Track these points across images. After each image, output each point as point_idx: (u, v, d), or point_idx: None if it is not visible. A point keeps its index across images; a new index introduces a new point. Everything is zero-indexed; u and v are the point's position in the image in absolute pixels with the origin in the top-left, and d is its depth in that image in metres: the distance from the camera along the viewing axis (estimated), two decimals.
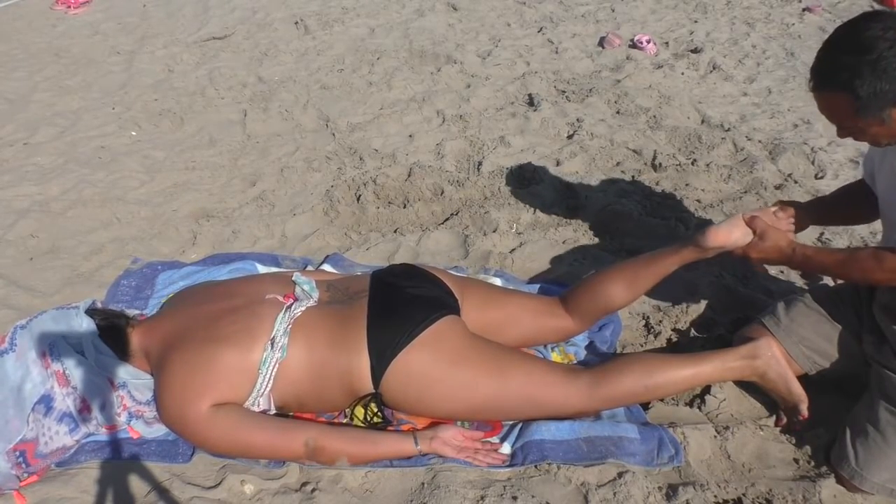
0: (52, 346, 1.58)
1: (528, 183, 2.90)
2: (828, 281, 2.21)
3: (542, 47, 4.56)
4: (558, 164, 3.05)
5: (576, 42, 4.62)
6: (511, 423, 1.71)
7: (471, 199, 2.80)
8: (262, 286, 1.76)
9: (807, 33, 4.66)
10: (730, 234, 1.70)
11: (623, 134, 3.29)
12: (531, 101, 3.71)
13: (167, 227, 2.60)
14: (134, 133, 3.46)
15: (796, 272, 2.30)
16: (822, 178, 2.88)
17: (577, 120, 3.43)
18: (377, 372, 1.58)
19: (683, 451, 1.59)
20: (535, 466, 1.56)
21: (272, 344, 1.57)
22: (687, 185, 2.83)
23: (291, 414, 1.70)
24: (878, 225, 1.68)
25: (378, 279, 1.78)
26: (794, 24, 4.85)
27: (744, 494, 1.52)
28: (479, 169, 3.01)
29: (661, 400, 1.79)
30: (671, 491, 1.51)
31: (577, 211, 2.69)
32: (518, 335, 1.86)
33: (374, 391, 1.60)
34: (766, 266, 1.92)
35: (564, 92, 3.81)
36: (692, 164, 2.99)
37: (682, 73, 4.06)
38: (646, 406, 1.78)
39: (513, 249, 2.43)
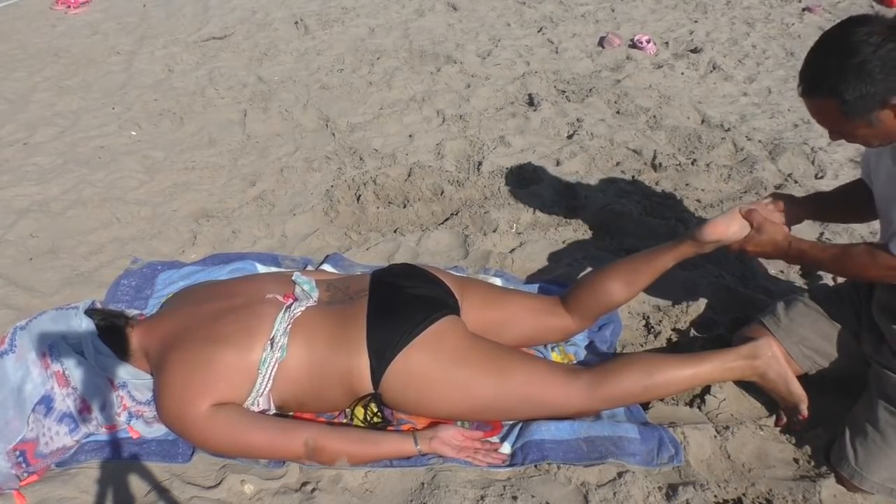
0: (52, 347, 1.58)
1: (527, 183, 2.90)
2: (827, 280, 2.22)
3: (542, 47, 4.56)
4: (558, 164, 3.05)
5: (576, 42, 4.62)
6: (511, 422, 1.71)
7: (471, 199, 2.80)
8: (261, 286, 1.76)
9: (807, 33, 4.66)
10: (727, 228, 1.70)
11: (623, 134, 3.30)
12: (531, 101, 3.71)
13: (167, 227, 2.60)
14: (134, 133, 3.46)
15: (796, 271, 2.30)
16: (821, 178, 2.88)
17: (577, 120, 3.43)
18: (377, 372, 1.58)
19: (683, 450, 1.59)
20: (535, 466, 1.56)
21: (272, 344, 1.57)
22: (687, 185, 2.84)
23: (291, 414, 1.70)
24: (877, 225, 1.68)
25: (378, 279, 1.78)
26: (794, 24, 4.85)
27: (744, 494, 1.52)
28: (479, 169, 3.01)
29: (661, 400, 1.79)
30: (671, 491, 1.51)
31: (576, 211, 2.69)
32: (518, 335, 1.86)
33: (373, 391, 1.60)
34: (767, 266, 1.93)
35: (564, 92, 3.81)
36: (692, 164, 2.99)
37: (682, 73, 4.06)
38: (646, 406, 1.78)
39: (513, 249, 2.43)
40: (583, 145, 3.17)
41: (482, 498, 1.46)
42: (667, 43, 4.56)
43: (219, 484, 1.51)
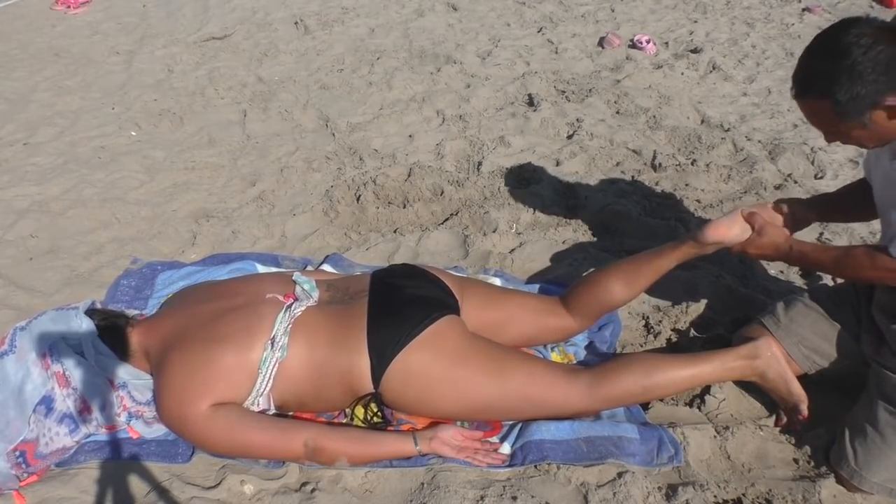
0: (52, 347, 1.58)
1: (527, 183, 2.90)
2: (827, 280, 2.22)
3: (542, 47, 4.56)
4: (558, 164, 3.05)
5: (576, 42, 4.62)
6: (511, 423, 1.71)
7: (471, 199, 2.80)
8: (262, 285, 1.76)
9: (807, 33, 4.66)
10: (729, 230, 1.71)
11: (623, 134, 3.30)
12: (531, 101, 3.71)
13: (167, 227, 2.60)
14: (134, 133, 3.46)
15: (796, 271, 2.30)
16: (821, 178, 2.88)
17: (577, 120, 3.43)
18: (377, 371, 1.58)
19: (683, 451, 1.60)
20: (535, 466, 1.56)
21: (272, 343, 1.57)
22: (687, 185, 2.84)
23: (291, 414, 1.70)
24: (877, 225, 1.68)
25: (378, 279, 1.78)
26: (793, 24, 4.85)
27: (744, 494, 1.52)
28: (478, 169, 3.01)
29: (661, 400, 1.79)
30: (671, 491, 1.51)
31: (576, 211, 2.69)
32: (518, 335, 1.86)
33: (374, 391, 1.60)
34: (767, 266, 1.92)
35: (564, 92, 3.81)
36: (692, 164, 3.00)
37: (682, 73, 4.06)
38: (646, 406, 1.78)
39: (513, 249, 2.43)
40: (583, 145, 3.18)
41: (482, 498, 1.46)
42: (667, 43, 4.56)
43: (219, 484, 1.51)
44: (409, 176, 2.92)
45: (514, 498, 1.47)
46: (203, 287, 1.94)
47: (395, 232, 2.59)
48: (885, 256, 1.48)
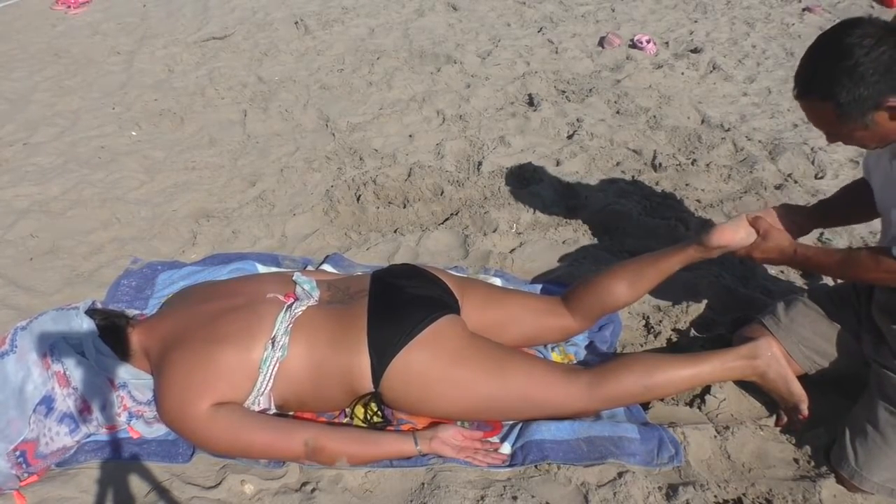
0: (53, 347, 1.58)
1: (527, 183, 2.90)
2: (827, 281, 2.22)
3: (542, 47, 4.56)
4: (558, 164, 3.05)
5: (576, 42, 4.62)
6: (511, 423, 1.71)
7: (471, 199, 2.80)
8: (262, 285, 1.76)
9: (807, 33, 4.66)
10: (734, 234, 1.71)
11: (623, 134, 3.30)
12: (531, 101, 3.71)
13: (167, 227, 2.60)
14: (134, 133, 3.46)
15: (796, 272, 2.30)
16: (822, 178, 2.88)
17: (577, 120, 3.43)
18: (377, 371, 1.58)
19: (683, 451, 1.60)
20: (535, 466, 1.56)
21: (273, 343, 1.58)
22: (687, 185, 2.84)
23: (292, 413, 1.70)
24: (877, 225, 1.68)
25: (378, 279, 1.78)
26: (794, 24, 4.85)
27: (744, 494, 1.52)
28: (479, 169, 3.01)
29: (661, 400, 1.79)
30: (671, 491, 1.51)
31: (577, 211, 2.69)
32: (519, 334, 1.86)
33: (374, 390, 1.60)
34: (768, 266, 1.92)
35: (564, 92, 3.81)
36: (692, 164, 2.99)
37: (682, 73, 4.06)
38: (646, 406, 1.78)
39: (513, 249, 2.43)
40: (583, 145, 3.17)
41: (482, 498, 1.46)
42: (667, 43, 4.56)
43: (219, 484, 1.51)
44: (409, 176, 2.92)
45: (515, 498, 1.47)
46: (203, 287, 1.94)
47: (395, 232, 2.59)
48: (888, 259, 1.48)
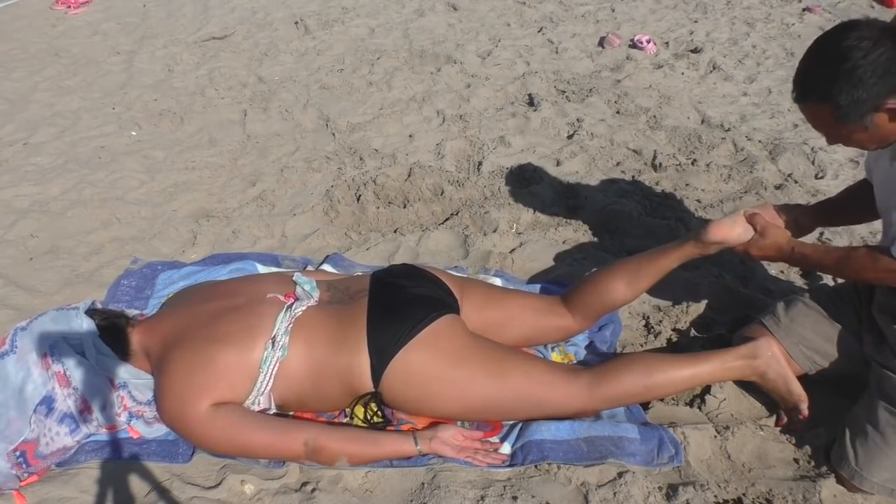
0: (53, 347, 1.58)
1: (528, 183, 2.90)
2: (827, 280, 2.22)
3: (542, 47, 4.56)
4: (558, 164, 3.05)
5: (576, 42, 4.62)
6: (511, 423, 1.71)
7: (471, 199, 2.80)
8: (262, 285, 1.76)
9: (807, 33, 4.66)
10: (731, 230, 1.71)
11: (623, 134, 3.30)
12: (531, 101, 3.71)
13: (167, 227, 2.60)
14: (134, 133, 3.46)
15: (796, 271, 2.30)
16: (822, 178, 2.88)
17: (577, 120, 3.43)
18: (377, 370, 1.58)
19: (683, 451, 1.59)
20: (535, 466, 1.56)
21: (273, 343, 1.58)
22: (687, 185, 2.84)
23: (292, 413, 1.70)
24: (877, 225, 1.68)
25: (378, 279, 1.78)
26: (794, 24, 4.85)
27: (744, 494, 1.52)
28: (479, 169, 3.01)
29: (661, 400, 1.79)
30: (671, 491, 1.51)
31: (577, 211, 2.69)
32: (519, 334, 1.86)
33: (374, 390, 1.60)
34: (768, 266, 1.92)
35: (564, 92, 3.81)
36: (692, 164, 2.99)
37: (682, 73, 4.06)
38: (646, 406, 1.78)
39: (513, 249, 2.43)
40: (583, 145, 3.17)
41: (482, 498, 1.47)
42: (667, 43, 4.56)
43: (219, 484, 1.51)
44: (409, 176, 2.92)
45: (515, 498, 1.47)
46: (203, 287, 1.94)
47: (395, 232, 2.59)
48: (886, 258, 1.48)
